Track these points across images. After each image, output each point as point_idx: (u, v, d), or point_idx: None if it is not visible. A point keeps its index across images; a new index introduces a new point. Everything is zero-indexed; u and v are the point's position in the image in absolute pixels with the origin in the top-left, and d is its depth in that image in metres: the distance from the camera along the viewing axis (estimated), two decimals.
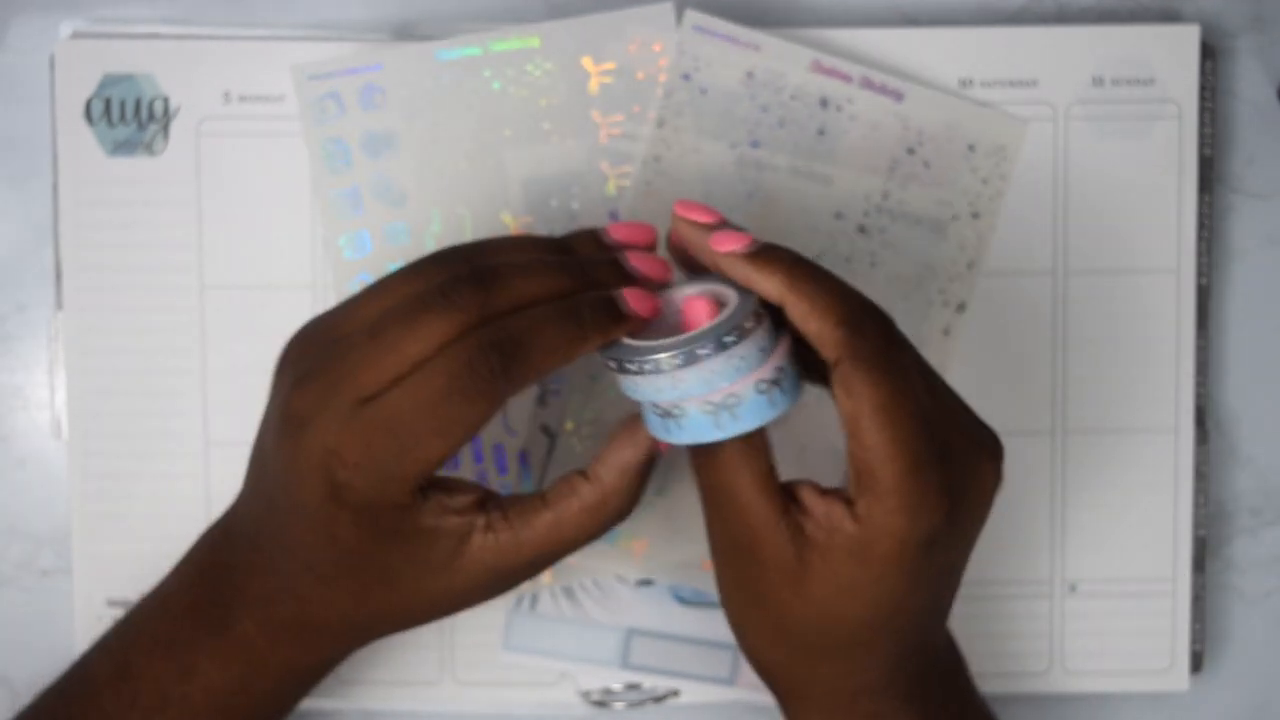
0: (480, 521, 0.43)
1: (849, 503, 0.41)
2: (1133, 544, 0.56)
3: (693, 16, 0.52)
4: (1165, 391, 0.55)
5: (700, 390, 0.41)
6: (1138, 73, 0.55)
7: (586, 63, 0.53)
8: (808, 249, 0.51)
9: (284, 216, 0.55)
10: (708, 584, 0.53)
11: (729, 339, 0.40)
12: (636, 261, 0.44)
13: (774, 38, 0.52)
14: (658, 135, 0.52)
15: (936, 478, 0.40)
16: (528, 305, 0.41)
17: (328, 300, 0.54)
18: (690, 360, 0.40)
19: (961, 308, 0.52)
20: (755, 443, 0.42)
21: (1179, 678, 0.56)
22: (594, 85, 0.53)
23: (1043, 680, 0.56)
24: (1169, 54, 0.55)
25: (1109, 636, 0.56)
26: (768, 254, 0.41)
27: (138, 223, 0.54)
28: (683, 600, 0.54)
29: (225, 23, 0.55)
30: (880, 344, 0.40)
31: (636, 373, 0.41)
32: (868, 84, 0.50)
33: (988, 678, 0.55)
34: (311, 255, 0.55)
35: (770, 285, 0.41)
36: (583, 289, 0.42)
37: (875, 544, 0.40)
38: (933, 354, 0.51)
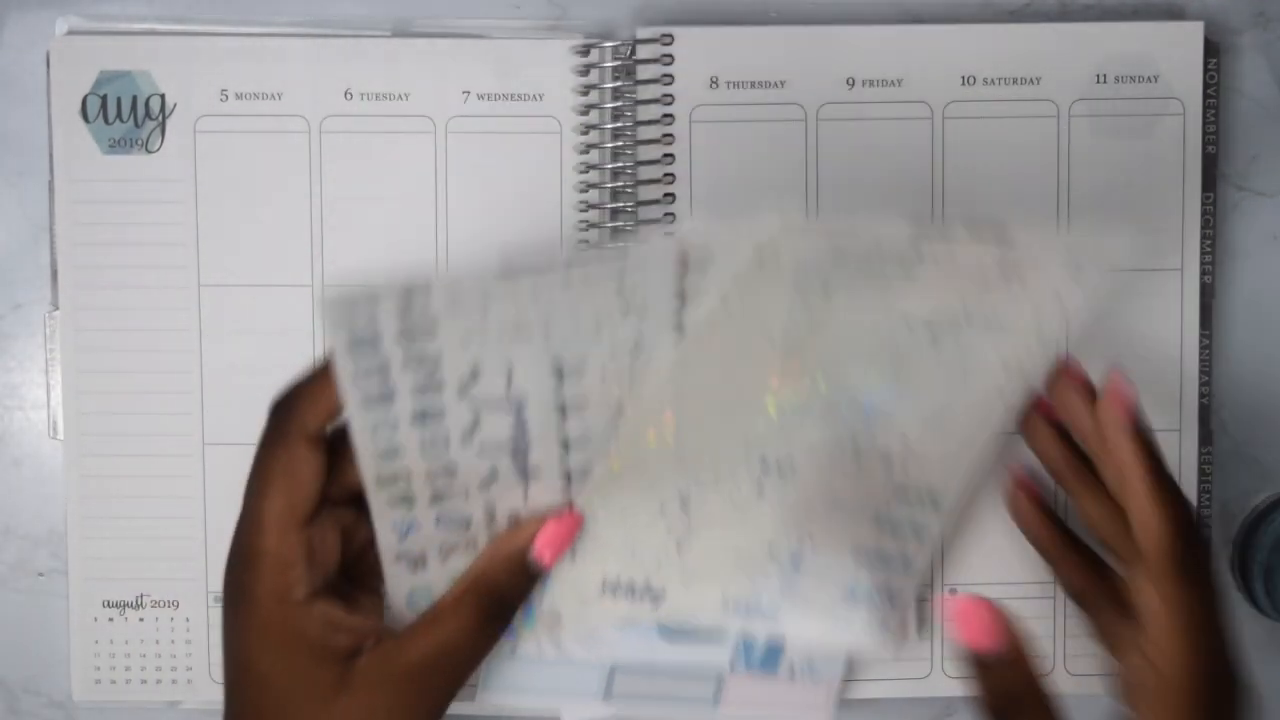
0: (369, 642, 0.42)
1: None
2: None
3: (773, 223, 0.44)
4: (1169, 390, 0.55)
5: None
6: (1141, 70, 0.55)
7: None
8: (864, 350, 0.46)
9: (281, 215, 0.54)
10: (701, 616, 0.52)
11: None
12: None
13: (871, 221, 0.44)
14: (728, 299, 0.45)
15: (1222, 703, 0.42)
16: None
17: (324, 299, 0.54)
18: None
19: (1022, 371, 0.47)
20: None
21: None
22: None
23: (1046, 682, 0.55)
24: (1172, 51, 0.54)
25: None
26: (1140, 433, 0.43)
27: (134, 221, 0.54)
28: (668, 635, 0.53)
29: (222, 20, 0.55)
30: (1203, 559, 0.42)
31: None
32: (973, 233, 0.45)
33: None
34: (309, 254, 0.54)
35: (1128, 453, 0.43)
36: None
37: None
38: (986, 412, 0.47)
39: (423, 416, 0.45)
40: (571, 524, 0.46)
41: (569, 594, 0.48)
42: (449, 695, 0.43)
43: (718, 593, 0.49)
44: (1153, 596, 0.41)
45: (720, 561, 0.48)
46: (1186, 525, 0.42)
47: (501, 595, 0.44)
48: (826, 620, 0.50)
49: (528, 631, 0.49)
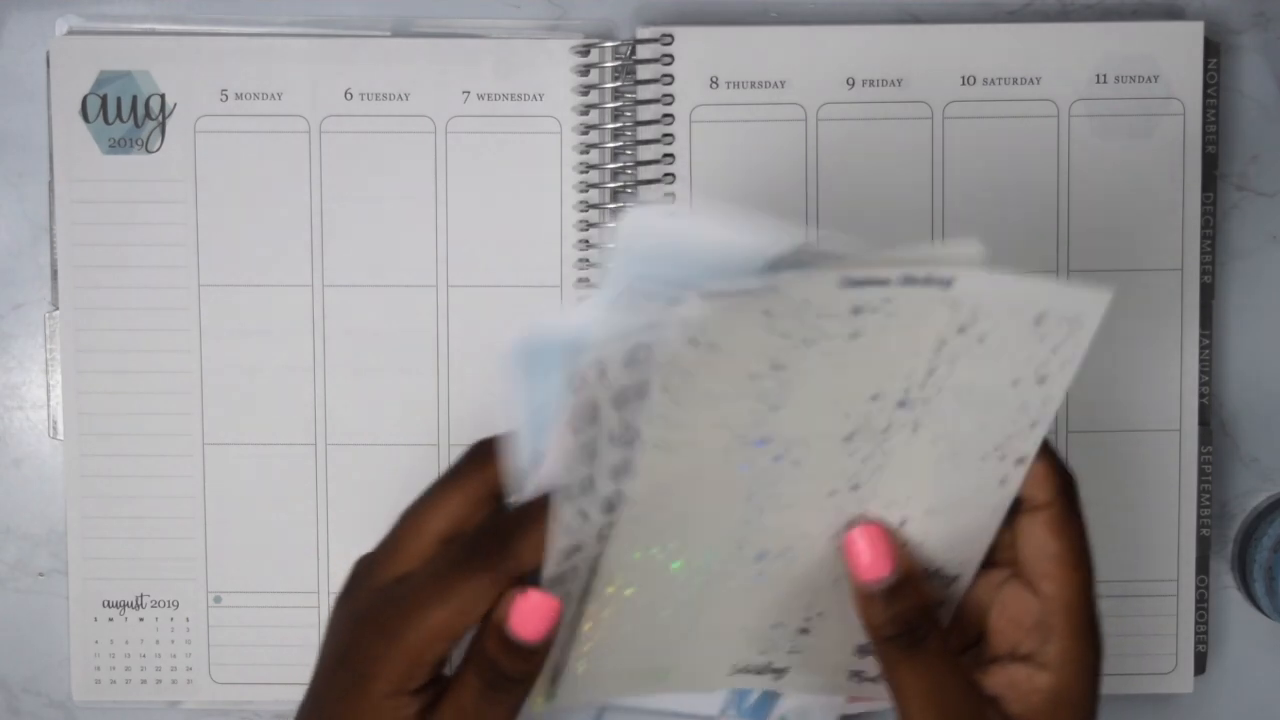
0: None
1: (1024, 659, 0.43)
2: (1136, 544, 0.55)
3: (693, 306, 0.36)
4: (1169, 391, 0.55)
5: None
6: (1141, 70, 0.55)
7: None
8: (838, 430, 0.42)
9: (281, 215, 0.54)
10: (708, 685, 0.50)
11: None
12: None
13: (795, 275, 0.37)
14: (663, 399, 0.38)
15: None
16: None
17: (325, 300, 0.54)
18: None
19: (1022, 461, 0.44)
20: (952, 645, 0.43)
21: (1183, 679, 0.56)
22: None
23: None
24: (1173, 51, 0.54)
25: (1112, 638, 0.55)
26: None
27: (134, 221, 0.54)
28: None
29: (222, 20, 0.55)
30: (1078, 496, 0.43)
31: None
32: (909, 280, 0.39)
33: None
34: (309, 254, 0.54)
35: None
36: None
37: (1072, 685, 0.42)
38: (988, 499, 0.44)
39: (610, 505, 0.39)
40: (545, 608, 0.42)
41: (573, 683, 0.46)
42: None
43: (728, 665, 0.48)
44: (1048, 541, 0.42)
45: (728, 640, 0.47)
46: (1065, 469, 0.42)
47: (495, 665, 0.42)
48: (833, 679, 0.49)
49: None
